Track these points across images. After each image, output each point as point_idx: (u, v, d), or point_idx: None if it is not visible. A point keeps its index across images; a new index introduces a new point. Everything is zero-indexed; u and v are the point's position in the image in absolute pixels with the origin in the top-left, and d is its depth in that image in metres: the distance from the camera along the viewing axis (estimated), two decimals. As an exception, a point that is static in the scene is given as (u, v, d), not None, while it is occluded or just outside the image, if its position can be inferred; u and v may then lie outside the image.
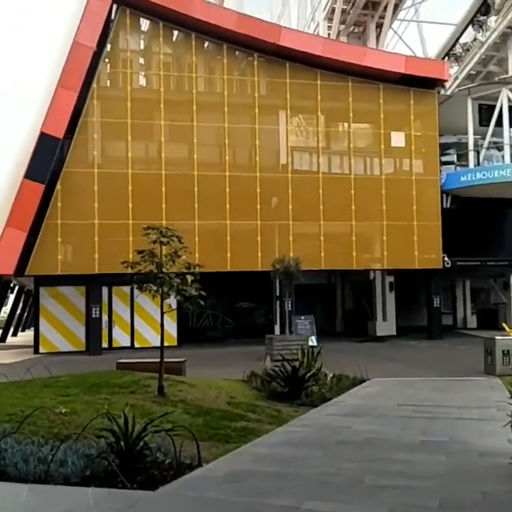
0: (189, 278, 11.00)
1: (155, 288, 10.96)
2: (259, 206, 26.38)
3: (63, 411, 8.97)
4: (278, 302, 27.77)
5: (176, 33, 27.58)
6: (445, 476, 6.37)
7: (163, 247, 11.17)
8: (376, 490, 5.88)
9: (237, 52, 27.81)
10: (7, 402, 9.87)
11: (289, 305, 23.68)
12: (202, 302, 11.02)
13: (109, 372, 13.18)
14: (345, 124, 28.74)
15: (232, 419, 9.59)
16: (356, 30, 38.96)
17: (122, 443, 6.48)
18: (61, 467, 6.45)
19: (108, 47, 26.38)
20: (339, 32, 38.07)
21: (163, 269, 10.92)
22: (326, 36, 36.75)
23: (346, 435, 8.73)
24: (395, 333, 28.64)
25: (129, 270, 11.30)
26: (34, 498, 5.89)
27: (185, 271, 11.25)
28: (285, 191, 26.86)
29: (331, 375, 13.79)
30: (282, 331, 24.86)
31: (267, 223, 26.41)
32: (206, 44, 27.74)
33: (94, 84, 25.44)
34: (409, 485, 6.01)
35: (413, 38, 40.46)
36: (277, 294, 27.82)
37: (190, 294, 10.88)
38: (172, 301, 11.63)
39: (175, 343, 25.20)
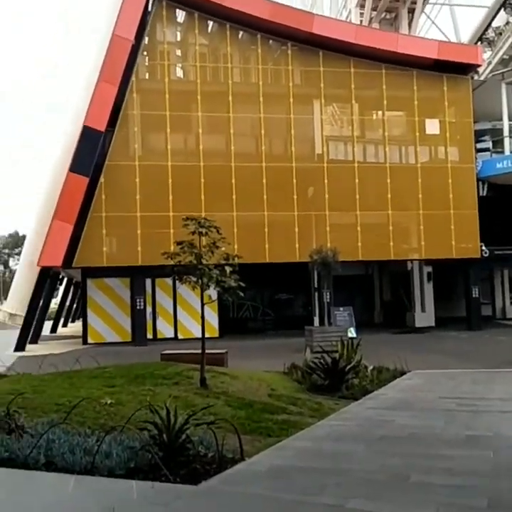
0: (228, 269, 10.98)
1: (194, 279, 11.00)
2: (295, 196, 26.28)
3: (109, 402, 9.13)
4: (316, 293, 27.66)
5: (210, 23, 27.61)
6: (493, 474, 6.25)
7: (202, 238, 11.20)
8: (422, 488, 5.79)
9: (270, 41, 27.68)
10: (56, 392, 10.11)
11: (328, 296, 23.54)
12: (241, 293, 11.01)
13: (154, 363, 13.36)
14: (380, 112, 28.40)
15: (273, 411, 9.59)
16: (388, 17, 38.37)
17: (165, 436, 6.55)
18: (106, 459, 6.56)
19: (146, 39, 26.56)
20: (371, 19, 37.56)
21: (203, 261, 10.94)
22: (358, 23, 36.21)
23: (389, 429, 8.65)
24: (433, 324, 28.25)
25: (169, 261, 11.37)
26: (80, 490, 6.00)
27: (224, 262, 11.26)
28: (321, 181, 26.68)
29: (371, 367, 13.65)
30: (321, 323, 24.77)
31: (304, 214, 26.31)
32: (240, 34, 27.71)
33: (133, 77, 25.69)
34: (456, 483, 5.89)
35: (446, 22, 39.52)
36: (315, 285, 27.70)
37: (229, 285, 10.87)
38: (212, 292, 11.67)
39: (216, 335, 25.34)
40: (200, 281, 10.98)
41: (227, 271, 11.03)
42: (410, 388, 12.66)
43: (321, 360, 12.37)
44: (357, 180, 26.90)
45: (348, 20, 38.25)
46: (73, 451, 6.77)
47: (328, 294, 23.54)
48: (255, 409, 9.64)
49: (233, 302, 26.84)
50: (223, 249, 11.41)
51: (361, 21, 37.04)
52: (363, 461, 6.81)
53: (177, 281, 11.77)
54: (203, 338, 11.42)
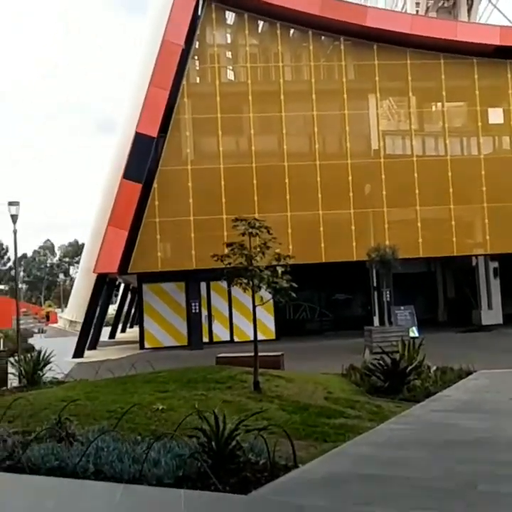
0: (279, 270, 10.69)
1: (245, 281, 10.76)
2: (351, 194, 25.70)
3: (160, 408, 9.01)
4: (376, 293, 26.96)
5: (261, 23, 27.42)
6: None
7: (253, 239, 10.93)
8: (491, 498, 5.30)
9: (322, 37, 27.25)
10: (108, 398, 10.08)
11: (388, 295, 22.86)
12: (293, 294, 10.68)
13: (207, 367, 13.20)
14: (439, 104, 27.45)
15: (330, 415, 9.20)
16: (446, 4, 37.07)
17: (213, 443, 6.27)
18: (155, 467, 6.37)
19: (196, 43, 26.61)
20: (428, 8, 36.41)
21: (253, 262, 10.67)
22: (414, 13, 35.18)
23: (454, 433, 8.10)
24: (501, 321, 27.02)
25: (219, 264, 11.16)
26: (127, 499, 5.84)
27: (275, 263, 10.96)
28: (378, 177, 26.01)
29: (435, 367, 13.02)
30: (381, 323, 24.10)
31: (361, 211, 25.71)
32: (291, 32, 27.42)
33: (184, 82, 25.78)
34: (529, 494, 5.38)
35: (507, 7, 37.75)
36: (374, 284, 27.01)
37: (281, 286, 10.57)
38: (266, 294, 11.37)
39: (273, 337, 25.08)
40: (251, 283, 10.73)
41: (279, 272, 10.73)
42: (477, 389, 11.98)
43: (381, 361, 11.86)
44: (416, 175, 26.08)
45: (403, 10, 37.21)
46: (122, 459, 6.62)
47: (387, 292, 22.86)
48: (311, 413, 9.27)
49: (290, 303, 26.44)
50: (278, 250, 11.12)
51: (417, 11, 36.01)
52: (426, 468, 6.34)
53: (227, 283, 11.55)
54: (255, 341, 11.13)
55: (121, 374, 12.93)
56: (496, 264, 27.86)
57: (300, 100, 26.67)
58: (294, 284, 10.71)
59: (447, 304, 31.71)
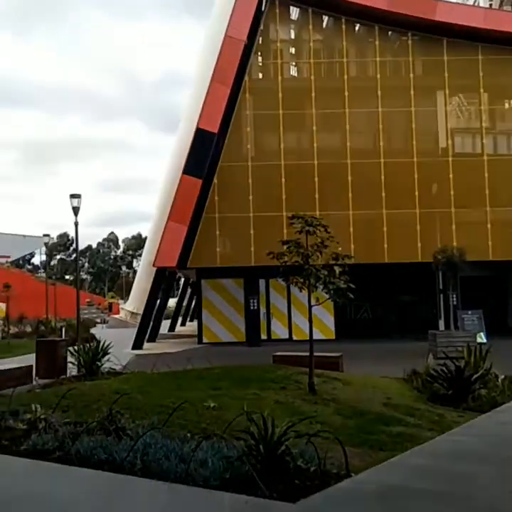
0: (337, 269, 10.33)
1: (301, 280, 10.45)
2: (417, 193, 24.95)
3: (212, 405, 8.85)
4: (441, 296, 26.01)
5: (325, 19, 26.96)
6: None
7: (310, 237, 10.61)
8: None
9: (389, 32, 26.61)
10: (161, 392, 10.03)
11: (454, 299, 22.00)
12: (351, 295, 10.28)
13: (262, 365, 13.00)
14: (512, 100, 26.19)
15: (387, 422, 8.76)
16: (521, -2, 35.42)
17: (261, 447, 5.98)
18: (201, 467, 6.17)
19: (259, 39, 26.42)
20: (502, 1, 34.91)
21: (310, 261, 10.36)
22: (487, 7, 33.81)
23: (522, 449, 7.53)
24: None
25: (277, 261, 10.91)
26: (172, 500, 5.65)
27: (332, 262, 10.60)
28: (446, 176, 25.12)
29: (503, 376, 12.28)
30: (447, 327, 23.20)
31: (427, 211, 24.90)
32: (357, 27, 26.88)
33: (246, 77, 25.67)
34: None
35: None
36: (440, 286, 26.06)
37: (338, 286, 10.20)
38: (325, 293, 11.02)
39: (333, 337, 24.69)
40: (307, 282, 10.42)
41: (336, 271, 10.38)
42: (548, 401, 11.20)
43: (444, 368, 11.27)
44: (487, 175, 25.08)
45: (475, 4, 35.89)
46: (169, 457, 6.47)
47: (454, 296, 22.00)
48: (367, 420, 8.86)
49: (351, 303, 25.92)
50: (340, 249, 10.76)
51: (491, 5, 34.64)
52: (489, 486, 5.85)
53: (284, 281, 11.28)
54: (310, 341, 10.81)
55: (178, 368, 12.91)
56: None
57: (365, 97, 26.15)
58: (352, 285, 10.34)
59: (519, 309, 30.26)
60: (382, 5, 25.29)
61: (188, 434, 7.39)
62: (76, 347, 15.10)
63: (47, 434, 7.42)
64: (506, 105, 27.36)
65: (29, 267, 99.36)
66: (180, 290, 43.16)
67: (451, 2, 31.55)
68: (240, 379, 11.00)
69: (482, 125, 26.04)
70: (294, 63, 28.02)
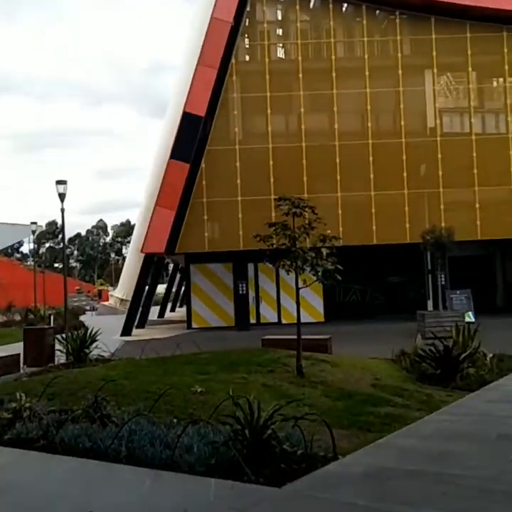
0: (324, 251, 10.22)
1: (288, 263, 10.35)
2: (405, 174, 24.84)
3: (199, 390, 8.77)
4: (430, 276, 26.03)
5: (312, -1, 26.60)
6: None
7: (297, 219, 10.50)
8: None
9: (377, 11, 26.29)
10: (148, 378, 9.93)
11: (442, 279, 22.00)
12: (338, 277, 10.19)
13: (250, 349, 12.94)
14: (501, 79, 26.06)
15: (376, 403, 8.73)
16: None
17: (247, 431, 5.90)
18: (187, 453, 6.11)
19: (246, 21, 26.04)
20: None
21: (297, 243, 10.25)
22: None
23: (510, 427, 7.50)
24: None
25: (264, 245, 10.80)
26: (156, 487, 5.60)
27: (320, 244, 10.50)
28: (434, 157, 25.01)
29: (491, 355, 12.28)
30: (435, 307, 23.23)
31: (415, 192, 24.82)
32: (345, 7, 26.52)
33: (232, 60, 25.34)
34: None
35: None
36: (429, 267, 26.07)
37: (325, 268, 10.10)
38: (311, 275, 10.94)
39: (322, 319, 24.69)
40: (294, 264, 10.32)
41: (324, 253, 10.27)
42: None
43: (432, 347, 11.25)
44: (475, 154, 24.96)
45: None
46: (154, 443, 6.41)
47: (442, 276, 22.01)
48: (356, 401, 8.82)
49: (340, 286, 25.92)
50: (329, 231, 10.65)
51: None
52: (477, 466, 5.81)
53: (270, 264, 11.18)
54: (298, 324, 10.76)
55: (166, 353, 12.85)
56: None
57: (352, 77, 25.92)
58: (340, 267, 10.23)
59: (507, 288, 30.38)
60: (369, -17, 25.01)
61: (174, 420, 7.34)
62: (64, 335, 14.99)
63: (31, 422, 7.38)
64: (494, 84, 27.17)
65: (18, 255, 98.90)
66: (169, 276, 43.00)
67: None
68: (228, 363, 10.93)
69: (470, 104, 25.87)
70: (281, 44, 27.64)
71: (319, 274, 10.30)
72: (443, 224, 22.55)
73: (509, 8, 24.68)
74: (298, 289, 10.72)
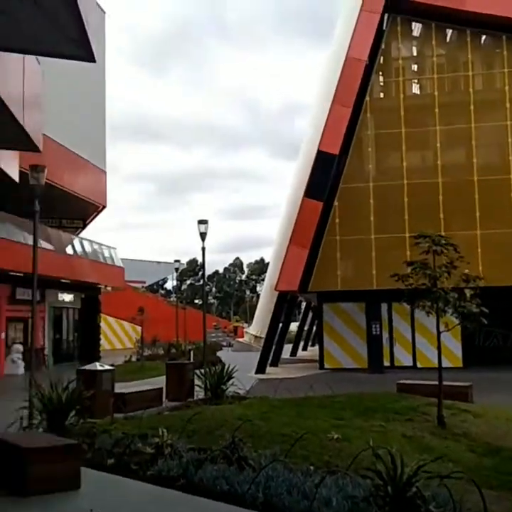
0: (468, 292, 9.71)
1: (429, 304, 9.93)
2: (553, 210, 23.12)
3: (335, 437, 8.57)
4: None
5: (449, 32, 26.02)
6: None
7: (437, 258, 10.09)
8: None
9: (520, 41, 25.06)
10: (283, 420, 9.86)
11: None
12: (484, 320, 9.61)
13: (386, 394, 12.50)
14: None
15: (527, 463, 8.03)
16: None
17: (389, 488, 5.63)
18: (325, 506, 5.90)
19: (380, 59, 26.01)
20: None
21: (438, 283, 9.82)
22: None
23: None
24: None
25: (400, 284, 10.47)
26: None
27: (463, 285, 9.98)
28: None
29: None
30: None
31: None
32: (483, 38, 25.63)
33: (367, 98, 25.29)
34: None
35: None
36: None
37: (469, 311, 9.57)
38: (452, 318, 10.43)
39: (460, 365, 23.38)
40: (434, 306, 9.88)
41: (468, 294, 9.76)
42: None
43: None
44: None
45: None
46: (291, 492, 6.26)
47: None
48: (504, 458, 8.20)
49: (480, 329, 24.34)
50: (466, 270, 10.16)
51: None
52: None
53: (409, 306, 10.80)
54: (439, 370, 10.24)
55: (299, 394, 12.75)
56: None
57: (492, 110, 24.91)
58: (485, 309, 9.66)
59: None
60: (510, 13, 24.01)
61: (311, 467, 7.17)
62: (203, 370, 15.35)
63: (172, 460, 7.48)
64: None
65: (162, 291, 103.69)
66: (301, 314, 42.92)
67: None
68: (364, 409, 10.62)
69: None
70: (416, 80, 27.14)
71: (462, 317, 9.80)
72: None
73: None
74: (439, 332, 10.24)
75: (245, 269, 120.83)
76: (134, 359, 30.32)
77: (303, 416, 10.25)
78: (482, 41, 25.76)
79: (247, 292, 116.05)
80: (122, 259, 61.01)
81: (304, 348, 40.77)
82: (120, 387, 14.38)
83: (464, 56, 25.43)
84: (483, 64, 25.75)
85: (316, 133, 25.32)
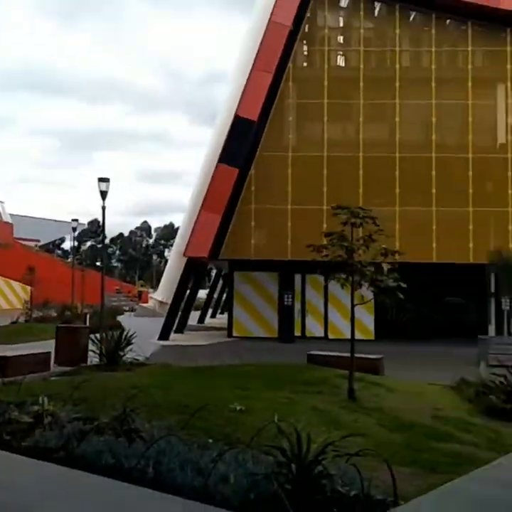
0: (385, 266, 9.30)
1: (344, 276, 9.44)
2: (471, 191, 23.45)
3: (238, 408, 7.99)
4: (493, 299, 24.44)
5: (377, 5, 25.61)
6: None
7: (355, 230, 9.59)
8: None
9: (447, 21, 25.05)
10: (183, 389, 9.22)
11: (508, 303, 20.56)
12: (401, 295, 9.22)
13: (297, 365, 12.07)
14: None
15: (439, 438, 7.67)
16: None
17: (293, 466, 4.95)
18: (222, 483, 5.23)
19: (305, 26, 25.25)
20: None
21: (355, 256, 9.34)
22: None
23: None
24: None
25: (316, 255, 9.93)
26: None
27: (381, 258, 9.55)
28: (503, 174, 23.65)
29: None
30: (498, 332, 21.74)
31: (481, 210, 23.39)
32: (412, 15, 25.41)
33: (289, 65, 24.55)
34: None
35: None
36: (492, 289, 24.50)
37: (386, 286, 9.14)
38: (366, 291, 10.00)
39: (372, 337, 23.54)
40: (350, 278, 9.41)
41: (385, 268, 9.38)
42: None
43: (502, 380, 10.05)
44: (552, 172, 23.41)
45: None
46: (185, 468, 5.58)
47: (508, 301, 20.56)
48: (415, 434, 7.78)
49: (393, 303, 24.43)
50: (384, 245, 9.74)
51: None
52: None
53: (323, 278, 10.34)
54: (352, 343, 9.75)
55: (205, 362, 12.08)
56: None
57: (418, 88, 24.75)
58: (403, 284, 9.29)
59: None
60: (439, -9, 23.90)
61: (210, 441, 6.51)
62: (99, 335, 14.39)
63: (52, 430, 6.75)
64: None
65: (59, 251, 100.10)
66: (211, 282, 42.39)
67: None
68: (272, 379, 10.05)
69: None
70: (341, 51, 26.66)
71: (379, 291, 9.37)
72: (511, 245, 21.13)
73: None
74: (353, 305, 9.77)
75: (153, 234, 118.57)
76: (21, 320, 28.38)
77: (206, 386, 9.59)
78: (411, 18, 25.57)
79: (155, 257, 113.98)
80: (12, 215, 57.71)
81: (213, 316, 40.29)
82: (2, 350, 13.39)
83: (391, 31, 25.11)
84: (411, 41, 25.57)
85: (234, 99, 24.36)
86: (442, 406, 9.56)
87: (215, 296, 41.85)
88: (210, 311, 39.41)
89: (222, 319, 34.96)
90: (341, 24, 26.86)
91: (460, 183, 23.46)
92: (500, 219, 23.33)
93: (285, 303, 24.18)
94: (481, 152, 23.93)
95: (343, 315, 22.51)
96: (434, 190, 23.44)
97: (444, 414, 9.04)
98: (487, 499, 5.51)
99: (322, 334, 24.52)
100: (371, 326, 24.13)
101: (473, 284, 25.10)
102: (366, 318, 23.35)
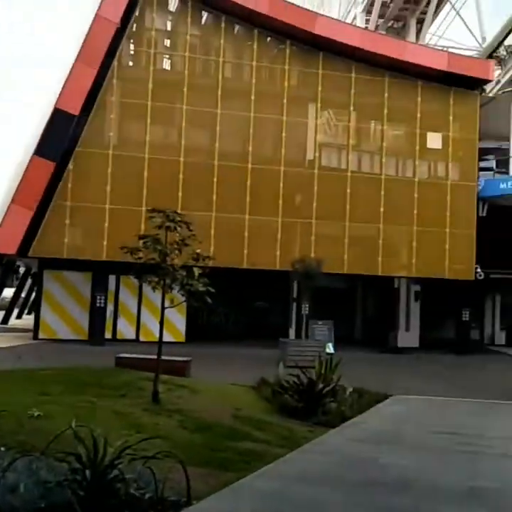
0: (196, 271, 9.63)
1: (156, 279, 9.59)
2: (281, 202, 24.79)
3: (36, 414, 7.66)
4: (294, 304, 26.13)
5: (205, 14, 26.14)
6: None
7: (170, 234, 9.80)
8: None
9: (268, 38, 26.30)
10: (-23, 396, 8.54)
11: (306, 308, 22.12)
12: (209, 299, 9.59)
13: (103, 368, 11.85)
14: (379, 122, 26.99)
15: (236, 438, 8.11)
16: (395, 26, 37.05)
17: (88, 472, 4.97)
18: (11, 493, 5.04)
19: (133, 25, 24.96)
20: (377, 26, 36.23)
21: (167, 259, 9.53)
22: (364, 28, 34.83)
23: (374, 471, 7.15)
24: (417, 344, 26.83)
25: (130, 257, 9.96)
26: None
27: (192, 263, 9.86)
28: (310, 188, 25.25)
29: (351, 389, 12.13)
30: (298, 335, 23.25)
31: (289, 221, 24.84)
32: (236, 28, 26.26)
33: (115, 62, 24.01)
34: None
35: (455, 34, 37.73)
36: (294, 295, 26.18)
37: (196, 289, 9.46)
38: (180, 294, 10.24)
39: (182, 340, 23.77)
40: (162, 282, 9.59)
41: (196, 273, 9.69)
42: (394, 417, 11.22)
43: (296, 380, 10.86)
44: (349, 190, 25.46)
45: (353, 23, 36.73)
46: (-30, 478, 5.24)
47: (306, 305, 22.10)
48: (215, 434, 8.15)
49: (205, 307, 24.95)
50: (198, 250, 10.04)
51: (366, 27, 35.60)
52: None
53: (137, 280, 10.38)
54: (159, 345, 9.91)
55: (5, 366, 11.42)
56: (418, 288, 27.65)
57: (238, 99, 25.54)
58: (211, 289, 9.66)
59: (365, 322, 31.39)
60: (263, 9, 24.82)
61: (2, 449, 6.19)
62: None
63: None
64: (372, 125, 27.97)
65: None
66: (19, 280, 39.92)
67: (331, 18, 32.28)
68: (76, 383, 9.81)
69: (349, 142, 26.46)
70: (167, 55, 26.77)
71: (188, 294, 9.65)
72: (313, 255, 22.70)
73: (393, 56, 25.63)
74: (163, 308, 9.93)
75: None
76: None
77: (5, 390, 9.06)
78: (236, 31, 26.39)
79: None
80: None
81: (18, 317, 37.93)
82: None
83: (217, 41, 25.69)
84: (235, 53, 26.39)
85: (55, 90, 23.29)
86: (242, 406, 10.08)
87: (23, 295, 39.42)
88: (16, 311, 37.00)
89: (29, 320, 33.03)
90: (169, 28, 26.97)
91: (271, 193, 24.60)
92: (305, 230, 24.93)
93: (97, 304, 23.51)
94: (292, 166, 25.34)
95: (156, 317, 22.29)
96: (248, 199, 24.40)
97: (243, 414, 9.56)
98: (269, 493, 5.99)
99: (134, 336, 24.22)
100: (183, 329, 24.38)
101: (279, 290, 26.64)
102: (178, 321, 23.62)
